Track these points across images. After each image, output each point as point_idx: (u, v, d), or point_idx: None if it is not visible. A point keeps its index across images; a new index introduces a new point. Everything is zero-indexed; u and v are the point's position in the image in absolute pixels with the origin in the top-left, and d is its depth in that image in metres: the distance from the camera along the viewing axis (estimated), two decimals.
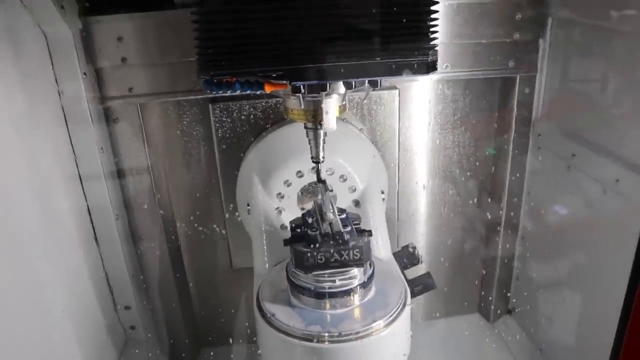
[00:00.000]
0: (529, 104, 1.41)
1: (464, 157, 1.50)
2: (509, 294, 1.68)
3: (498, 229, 1.58)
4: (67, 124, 1.23)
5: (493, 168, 1.52)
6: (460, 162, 1.50)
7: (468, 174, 1.53)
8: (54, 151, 1.19)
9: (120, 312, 1.45)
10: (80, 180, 1.29)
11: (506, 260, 1.62)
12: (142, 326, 1.48)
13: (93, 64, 1.22)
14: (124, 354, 1.43)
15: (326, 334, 0.95)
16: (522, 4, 1.29)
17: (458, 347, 1.65)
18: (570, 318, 1.37)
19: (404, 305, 1.02)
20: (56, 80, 1.18)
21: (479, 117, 1.46)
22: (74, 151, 1.25)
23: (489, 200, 1.56)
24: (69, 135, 1.23)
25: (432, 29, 0.83)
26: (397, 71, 0.81)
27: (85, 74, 1.20)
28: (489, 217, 1.57)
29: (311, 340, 0.95)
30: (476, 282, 1.71)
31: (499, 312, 1.72)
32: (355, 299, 1.00)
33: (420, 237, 1.61)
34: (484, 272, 1.69)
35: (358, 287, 1.00)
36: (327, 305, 1.00)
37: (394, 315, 0.99)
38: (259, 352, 1.09)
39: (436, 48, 0.86)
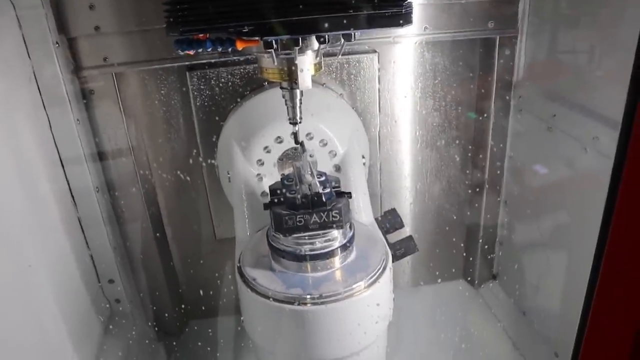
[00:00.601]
0: (510, 66, 1.41)
1: (446, 121, 1.49)
2: (493, 259, 1.69)
3: (481, 193, 1.58)
4: (41, 97, 1.20)
5: (475, 131, 1.52)
6: (442, 125, 1.50)
7: (450, 138, 1.52)
8: (31, 128, 1.16)
9: (105, 286, 1.44)
10: (59, 157, 1.27)
11: (490, 225, 1.63)
12: (127, 299, 1.48)
13: (65, 33, 1.19)
14: (110, 327, 1.43)
15: (307, 296, 0.95)
16: None
17: (443, 312, 1.67)
18: (553, 280, 1.38)
19: (385, 267, 1.02)
20: (27, 52, 1.15)
21: (459, 80, 1.45)
22: (50, 126, 1.23)
23: (472, 164, 1.56)
24: (45, 109, 1.21)
25: None
26: (370, 23, 0.80)
27: (57, 43, 1.17)
28: (472, 181, 1.58)
29: (292, 303, 0.95)
30: (460, 248, 1.72)
31: (483, 277, 1.74)
32: (336, 261, 1.00)
33: (403, 203, 1.60)
34: (468, 238, 1.69)
35: (338, 249, 0.99)
36: (308, 268, 0.99)
37: (375, 276, 0.99)
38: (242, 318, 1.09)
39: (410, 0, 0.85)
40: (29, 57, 1.16)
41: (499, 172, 1.54)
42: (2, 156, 1.01)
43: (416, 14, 0.91)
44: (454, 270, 1.76)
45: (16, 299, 0.99)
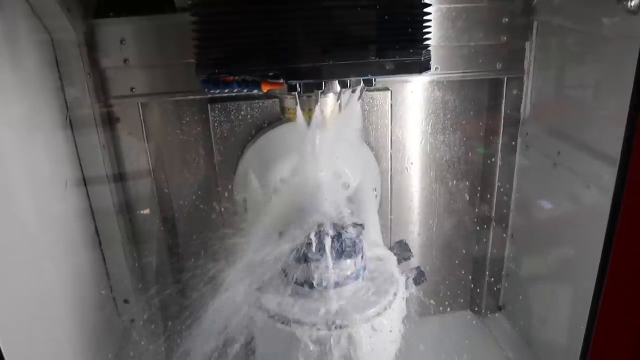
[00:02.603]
0: (517, 105, 1.46)
1: (455, 156, 1.55)
2: (499, 291, 1.73)
3: (488, 226, 1.62)
4: (71, 125, 1.27)
5: (483, 167, 1.57)
6: (451, 161, 1.55)
7: (459, 173, 1.58)
8: (59, 149, 1.23)
9: (119, 305, 1.49)
10: (83, 177, 1.33)
11: (496, 258, 1.67)
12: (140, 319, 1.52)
13: (96, 65, 1.26)
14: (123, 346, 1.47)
15: (319, 323, 1.00)
16: (509, 9, 1.35)
17: (449, 343, 1.69)
18: (558, 312, 1.41)
19: (395, 296, 1.07)
20: (61, 82, 1.22)
21: (468, 117, 1.51)
22: (77, 150, 1.30)
23: (479, 198, 1.61)
24: (73, 135, 1.28)
25: (424, 31, 0.88)
26: (391, 70, 0.86)
27: (89, 74, 1.24)
28: (480, 215, 1.62)
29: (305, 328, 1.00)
30: (467, 280, 1.75)
31: (489, 308, 1.77)
32: (348, 290, 1.05)
33: (412, 236, 1.65)
34: (475, 270, 1.73)
35: (350, 278, 1.04)
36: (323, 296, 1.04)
37: (385, 305, 1.04)
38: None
39: (429, 49, 0.91)
40: (62, 85, 1.23)
41: (505, 206, 1.58)
42: (29, 174, 1.07)
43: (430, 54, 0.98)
44: (461, 300, 1.79)
45: (33, 311, 1.03)
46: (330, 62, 0.80)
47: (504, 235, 1.62)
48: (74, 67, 1.22)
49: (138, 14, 1.24)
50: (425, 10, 0.87)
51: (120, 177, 1.43)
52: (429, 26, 0.89)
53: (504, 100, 1.47)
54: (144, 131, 1.39)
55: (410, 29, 0.87)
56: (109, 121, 1.36)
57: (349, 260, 1.03)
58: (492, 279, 1.70)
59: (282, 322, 1.02)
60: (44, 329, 1.07)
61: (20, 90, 1.05)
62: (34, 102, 1.11)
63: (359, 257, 1.05)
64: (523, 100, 1.46)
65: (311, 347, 1.01)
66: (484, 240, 1.65)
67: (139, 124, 1.38)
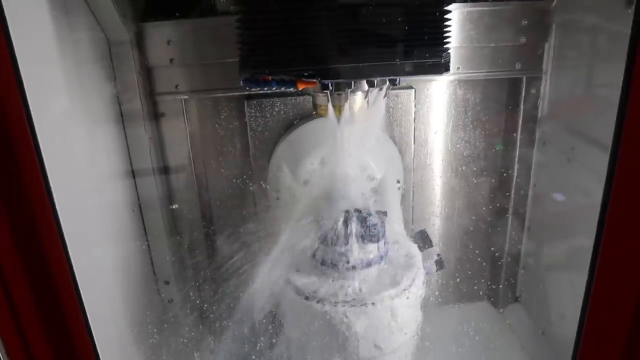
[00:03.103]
0: (535, 103, 1.54)
1: (475, 152, 1.63)
2: (516, 282, 1.80)
3: (506, 219, 1.70)
4: (122, 120, 1.40)
5: (502, 162, 1.65)
6: (471, 156, 1.63)
7: (479, 167, 1.66)
8: (111, 142, 1.35)
9: (161, 286, 1.62)
10: (132, 169, 1.46)
11: (513, 250, 1.75)
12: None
13: (146, 64, 1.39)
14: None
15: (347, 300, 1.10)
16: (528, 10, 1.42)
17: (467, 333, 1.76)
18: (573, 303, 1.48)
19: (414, 279, 1.17)
20: (115, 79, 1.35)
21: (488, 115, 1.59)
22: (127, 141, 1.43)
23: (498, 192, 1.68)
24: (124, 126, 1.41)
25: (445, 35, 0.98)
26: (414, 71, 0.96)
27: (139, 72, 1.37)
28: (498, 208, 1.70)
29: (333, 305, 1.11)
30: (485, 271, 1.82)
31: (506, 299, 1.84)
32: (372, 271, 1.15)
33: (433, 228, 1.73)
34: (492, 262, 1.80)
35: (374, 261, 1.14)
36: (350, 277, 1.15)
37: (407, 286, 1.14)
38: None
39: (449, 51, 1.01)
40: (115, 82, 1.36)
41: (523, 200, 1.66)
42: (85, 166, 1.18)
43: (450, 56, 1.07)
44: (479, 292, 1.87)
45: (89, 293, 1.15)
46: (359, 64, 0.90)
47: (521, 228, 1.69)
48: (127, 67, 1.35)
49: (184, 18, 1.36)
50: (445, 16, 0.97)
51: (164, 168, 1.55)
52: (449, 31, 0.99)
53: (522, 99, 1.55)
54: (186, 125, 1.51)
55: (431, 34, 0.96)
56: (155, 116, 1.49)
57: (372, 245, 1.13)
58: (510, 271, 1.78)
59: (310, 299, 1.12)
60: (100, 303, 1.20)
61: (82, 87, 1.17)
62: (92, 98, 1.24)
63: (382, 241, 1.15)
64: (541, 99, 1.53)
65: (336, 322, 1.12)
66: (502, 233, 1.73)
67: (182, 118, 1.50)
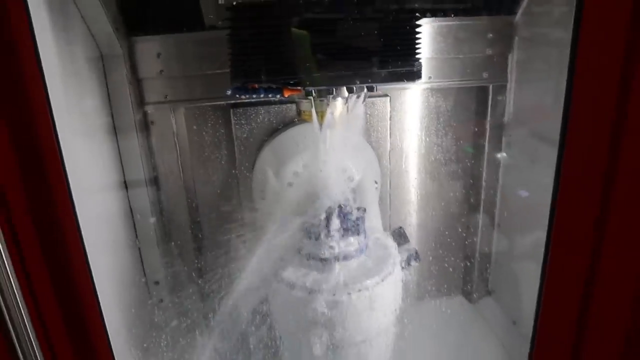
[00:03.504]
0: (502, 109, 1.66)
1: (447, 155, 1.74)
2: (488, 276, 1.92)
3: (477, 217, 1.82)
4: (115, 130, 1.47)
5: (472, 164, 1.77)
6: (443, 159, 1.75)
7: (451, 170, 1.77)
8: (105, 155, 1.42)
9: (151, 286, 1.69)
10: (124, 178, 1.52)
11: (485, 246, 1.86)
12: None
13: (136, 75, 1.47)
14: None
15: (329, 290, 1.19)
16: (493, 25, 1.55)
17: (443, 326, 1.86)
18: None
19: (392, 270, 1.26)
20: (108, 89, 1.43)
21: (459, 121, 1.70)
22: (120, 153, 1.50)
23: (469, 192, 1.80)
24: (116, 136, 1.48)
25: (416, 45, 1.09)
26: (390, 78, 1.07)
27: (130, 83, 1.45)
28: (470, 207, 1.82)
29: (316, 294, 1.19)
30: (459, 267, 1.93)
31: (479, 293, 1.95)
32: (353, 263, 1.24)
33: (409, 228, 1.83)
34: (466, 258, 1.91)
35: (354, 253, 1.24)
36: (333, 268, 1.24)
37: (386, 275, 1.24)
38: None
39: (420, 60, 1.12)
40: (109, 93, 1.43)
41: (492, 198, 1.77)
42: (89, 176, 1.26)
43: (423, 66, 1.17)
44: (453, 287, 1.98)
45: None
46: (340, 72, 1.00)
47: (492, 225, 1.81)
48: (119, 78, 1.42)
49: (173, 32, 1.45)
50: (416, 30, 1.08)
51: (154, 177, 1.62)
52: (420, 42, 1.10)
53: (490, 106, 1.67)
54: (175, 133, 1.59)
55: (403, 45, 1.07)
56: (145, 125, 1.56)
57: (352, 238, 1.22)
58: (482, 266, 1.89)
59: (296, 289, 1.21)
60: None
61: (80, 99, 1.25)
62: (89, 110, 1.31)
63: (362, 235, 1.24)
64: (507, 105, 1.66)
65: (320, 311, 1.20)
66: (474, 230, 1.84)
67: (171, 127, 1.58)
